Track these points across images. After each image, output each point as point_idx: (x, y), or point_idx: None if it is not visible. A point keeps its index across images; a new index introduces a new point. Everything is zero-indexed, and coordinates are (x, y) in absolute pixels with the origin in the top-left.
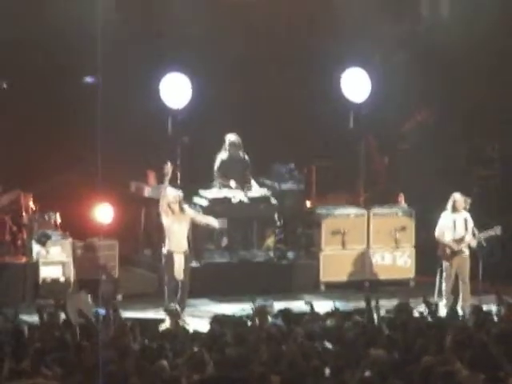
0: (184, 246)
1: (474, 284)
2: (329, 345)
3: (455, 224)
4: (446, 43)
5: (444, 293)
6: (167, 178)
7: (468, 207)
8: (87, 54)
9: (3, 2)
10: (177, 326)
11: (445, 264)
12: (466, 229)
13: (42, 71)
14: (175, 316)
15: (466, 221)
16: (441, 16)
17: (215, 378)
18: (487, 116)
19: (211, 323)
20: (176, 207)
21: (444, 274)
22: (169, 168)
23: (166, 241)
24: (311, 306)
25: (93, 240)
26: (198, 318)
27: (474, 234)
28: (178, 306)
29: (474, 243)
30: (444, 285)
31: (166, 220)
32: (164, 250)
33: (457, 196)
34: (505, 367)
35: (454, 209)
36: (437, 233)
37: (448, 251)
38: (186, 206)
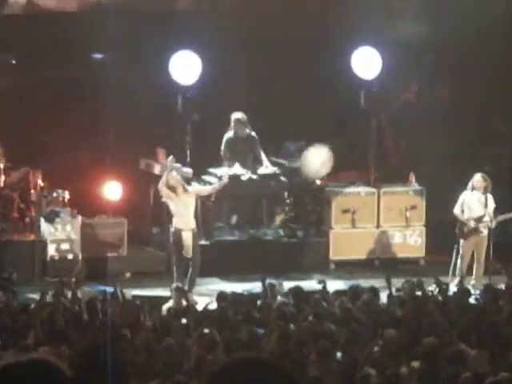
0: (192, 223)
1: (484, 263)
2: (338, 325)
3: (473, 203)
4: (460, 20)
5: (458, 271)
6: (165, 166)
7: (490, 188)
8: (98, 30)
9: None
10: (182, 305)
11: (462, 242)
12: (486, 208)
13: (51, 46)
14: (181, 295)
15: (486, 201)
16: None
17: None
18: (501, 94)
19: (217, 300)
20: (179, 189)
21: (460, 253)
22: (165, 159)
23: (174, 219)
24: (324, 285)
25: (101, 218)
26: (208, 297)
27: (494, 216)
28: (185, 286)
29: (492, 224)
30: (459, 263)
31: (171, 203)
32: (172, 228)
33: (476, 176)
34: None
35: (473, 188)
36: (455, 211)
37: (466, 230)
38: (187, 186)
